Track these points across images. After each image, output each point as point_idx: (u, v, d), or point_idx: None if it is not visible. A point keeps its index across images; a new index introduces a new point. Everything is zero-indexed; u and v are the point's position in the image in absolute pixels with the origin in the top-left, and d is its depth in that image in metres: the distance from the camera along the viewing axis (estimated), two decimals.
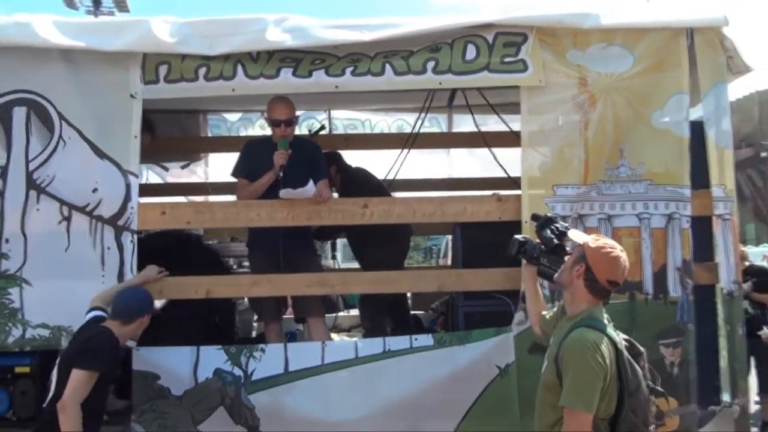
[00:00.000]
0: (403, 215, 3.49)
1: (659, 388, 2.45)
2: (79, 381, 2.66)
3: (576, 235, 2.60)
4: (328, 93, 4.37)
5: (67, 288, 3.13)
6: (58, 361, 2.82)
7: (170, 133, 5.19)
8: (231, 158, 5.47)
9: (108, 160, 3.26)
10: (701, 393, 3.25)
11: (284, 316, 3.91)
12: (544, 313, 2.76)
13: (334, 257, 4.90)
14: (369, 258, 4.34)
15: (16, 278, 3.16)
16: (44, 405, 2.80)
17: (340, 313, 4.97)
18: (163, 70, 3.26)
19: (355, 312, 4.92)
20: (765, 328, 4.67)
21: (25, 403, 3.26)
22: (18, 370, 3.27)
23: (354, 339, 3.68)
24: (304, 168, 3.55)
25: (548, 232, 2.78)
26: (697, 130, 3.38)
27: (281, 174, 3.50)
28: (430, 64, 3.31)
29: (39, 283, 3.16)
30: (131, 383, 3.16)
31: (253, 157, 3.71)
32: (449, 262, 8.15)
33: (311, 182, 3.36)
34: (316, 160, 3.73)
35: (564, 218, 3.16)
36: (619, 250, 2.40)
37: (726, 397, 3.28)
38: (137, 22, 3.29)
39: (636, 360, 2.37)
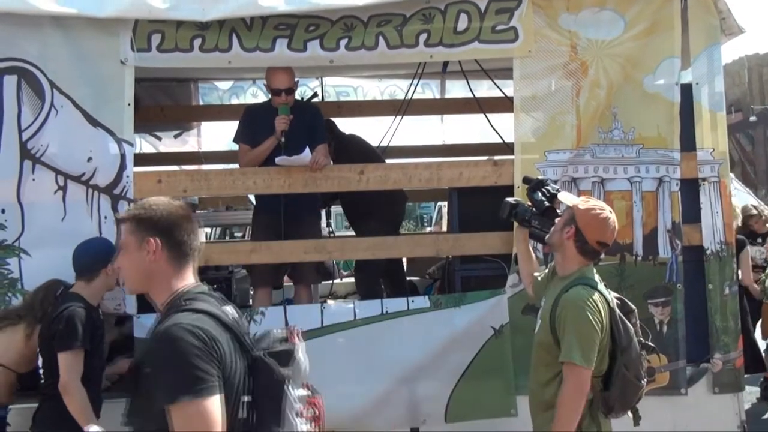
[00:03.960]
0: (399, 181, 3.51)
1: (650, 344, 2.53)
2: (68, 361, 2.68)
3: (566, 198, 2.64)
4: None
5: (66, 258, 3.10)
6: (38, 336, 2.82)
7: (162, 102, 5.15)
8: (223, 127, 5.46)
9: (102, 129, 3.23)
10: (690, 350, 3.35)
11: (285, 284, 3.95)
12: (536, 274, 2.82)
13: (329, 224, 4.91)
14: (364, 225, 4.38)
15: (15, 248, 3.16)
16: (42, 381, 2.83)
17: (336, 280, 5.01)
18: (156, 38, 3.22)
19: (351, 279, 4.97)
20: None
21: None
22: None
23: (352, 302, 3.73)
24: (306, 132, 3.56)
25: (539, 194, 2.82)
26: (688, 93, 3.40)
27: (282, 139, 3.51)
28: (422, 37, 3.30)
29: (37, 253, 3.16)
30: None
31: (255, 122, 3.70)
32: (443, 229, 8.23)
33: (307, 149, 3.36)
34: (317, 123, 3.74)
35: (555, 182, 3.20)
36: (608, 212, 2.45)
37: (717, 354, 3.39)
38: None
39: (627, 317, 2.44)
